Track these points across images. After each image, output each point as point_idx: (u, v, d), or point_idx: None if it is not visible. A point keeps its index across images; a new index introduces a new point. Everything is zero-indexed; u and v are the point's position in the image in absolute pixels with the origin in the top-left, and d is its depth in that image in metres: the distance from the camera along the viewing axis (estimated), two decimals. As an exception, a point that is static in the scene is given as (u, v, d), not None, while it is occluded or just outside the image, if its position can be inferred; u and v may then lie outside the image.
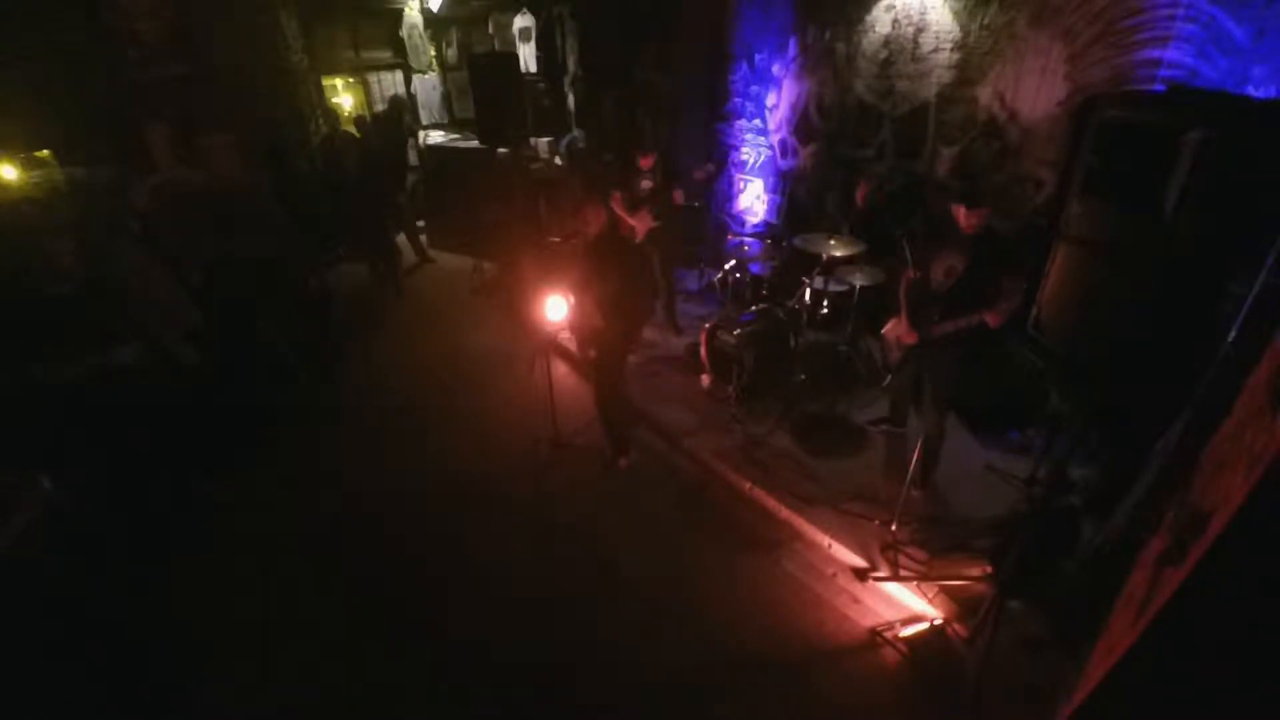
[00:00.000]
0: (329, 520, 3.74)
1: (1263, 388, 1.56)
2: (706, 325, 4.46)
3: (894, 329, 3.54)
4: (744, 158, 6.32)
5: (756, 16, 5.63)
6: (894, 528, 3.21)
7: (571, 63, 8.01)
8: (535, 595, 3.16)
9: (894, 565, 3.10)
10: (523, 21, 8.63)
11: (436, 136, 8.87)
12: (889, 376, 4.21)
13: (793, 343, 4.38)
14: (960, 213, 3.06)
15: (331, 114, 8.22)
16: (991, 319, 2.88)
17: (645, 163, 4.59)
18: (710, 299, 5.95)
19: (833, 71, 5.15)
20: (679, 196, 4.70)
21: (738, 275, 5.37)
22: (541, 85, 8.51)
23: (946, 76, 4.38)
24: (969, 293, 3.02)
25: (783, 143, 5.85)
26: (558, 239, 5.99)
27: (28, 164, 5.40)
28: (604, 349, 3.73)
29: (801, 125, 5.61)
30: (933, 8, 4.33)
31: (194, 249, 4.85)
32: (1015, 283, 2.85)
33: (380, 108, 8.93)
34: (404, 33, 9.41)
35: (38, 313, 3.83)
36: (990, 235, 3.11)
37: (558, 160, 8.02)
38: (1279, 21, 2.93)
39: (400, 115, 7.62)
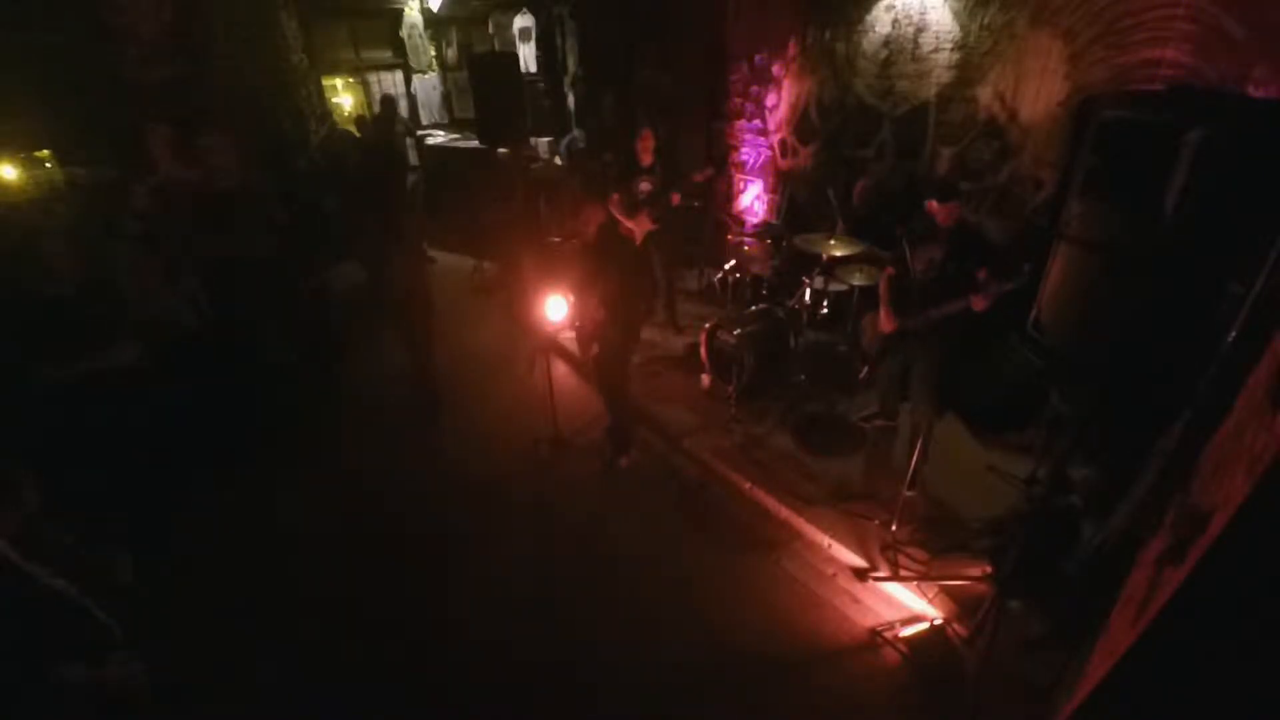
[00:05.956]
0: (329, 520, 3.74)
1: (1263, 388, 1.56)
2: (706, 325, 4.45)
3: (873, 320, 3.65)
4: (744, 158, 6.31)
5: (756, 16, 5.63)
6: (894, 528, 3.21)
7: (571, 63, 8.01)
8: (535, 595, 3.16)
9: (894, 565, 3.10)
10: (523, 21, 8.63)
11: (436, 136, 8.87)
12: (865, 369, 4.34)
13: (793, 343, 4.38)
14: (934, 207, 3.19)
15: (331, 114, 8.21)
16: (976, 303, 2.97)
17: (644, 142, 4.63)
18: (710, 299, 5.95)
19: (833, 71, 5.15)
20: (676, 199, 4.70)
21: (738, 275, 5.37)
22: (541, 85, 8.50)
23: (946, 76, 4.37)
24: (946, 284, 3.14)
25: (782, 143, 5.85)
26: (558, 239, 5.99)
27: (27, 164, 5.39)
28: (606, 347, 3.73)
29: (801, 125, 5.60)
30: (933, 8, 4.32)
31: (194, 249, 4.86)
32: (993, 273, 2.96)
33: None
34: (404, 33, 9.42)
35: (36, 314, 3.83)
36: (966, 228, 3.26)
37: (558, 160, 8.02)
38: (1279, 20, 2.92)
39: (392, 114, 7.61)
